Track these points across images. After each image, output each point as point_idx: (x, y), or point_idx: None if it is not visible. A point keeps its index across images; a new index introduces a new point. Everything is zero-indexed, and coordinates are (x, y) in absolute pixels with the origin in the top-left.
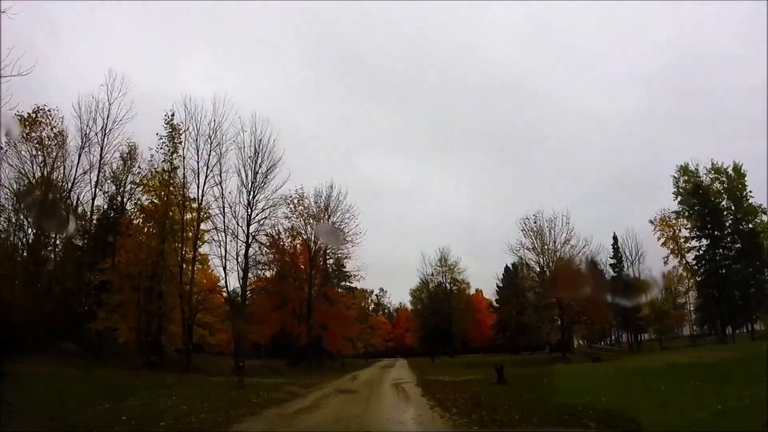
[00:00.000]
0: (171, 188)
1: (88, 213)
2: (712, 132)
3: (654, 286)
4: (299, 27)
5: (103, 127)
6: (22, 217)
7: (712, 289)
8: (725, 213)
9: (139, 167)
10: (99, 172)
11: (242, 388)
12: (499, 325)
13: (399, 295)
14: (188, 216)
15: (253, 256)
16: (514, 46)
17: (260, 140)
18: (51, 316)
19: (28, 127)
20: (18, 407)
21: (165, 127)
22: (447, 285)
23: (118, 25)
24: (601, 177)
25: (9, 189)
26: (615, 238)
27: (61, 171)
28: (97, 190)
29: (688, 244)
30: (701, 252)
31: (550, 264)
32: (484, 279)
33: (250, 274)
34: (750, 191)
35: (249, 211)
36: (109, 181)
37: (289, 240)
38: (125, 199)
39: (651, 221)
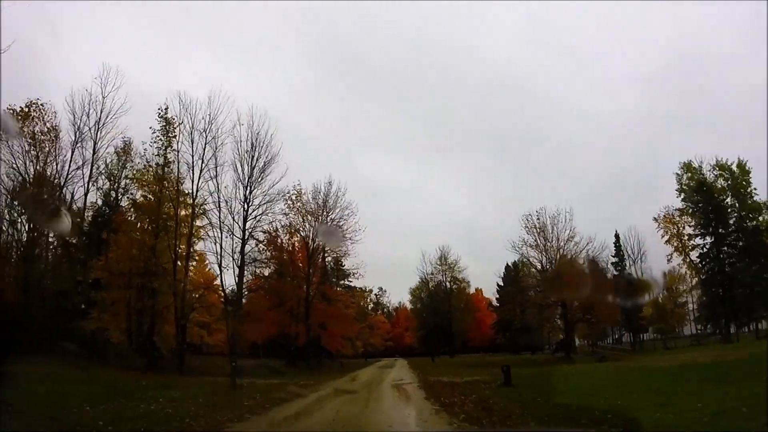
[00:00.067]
0: (165, 183)
1: (82, 209)
2: (712, 132)
3: (655, 285)
4: (299, 27)
5: (96, 121)
6: (15, 214)
7: (717, 288)
8: (729, 210)
9: (131, 162)
10: (92, 166)
11: (234, 390)
12: (500, 324)
13: (398, 295)
14: (183, 213)
15: (250, 254)
16: (514, 46)
17: (257, 134)
18: (45, 316)
19: (20, 122)
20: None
21: (158, 120)
22: (447, 284)
23: (118, 25)
24: (601, 177)
25: (1, 185)
26: (617, 236)
27: (55, 167)
28: (91, 185)
29: (692, 242)
30: (705, 250)
31: (554, 261)
32: (483, 279)
33: (247, 272)
34: (755, 188)
35: (245, 206)
36: (103, 177)
37: (287, 237)
38: (120, 196)
39: (655, 218)
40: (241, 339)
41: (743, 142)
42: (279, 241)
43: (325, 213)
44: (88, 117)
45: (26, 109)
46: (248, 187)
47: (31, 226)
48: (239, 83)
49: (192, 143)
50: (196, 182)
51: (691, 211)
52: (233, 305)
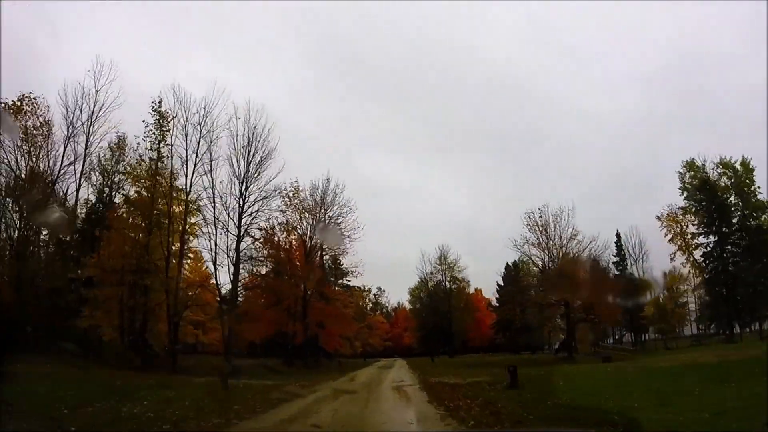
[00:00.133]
0: (158, 178)
1: (74, 205)
2: (712, 132)
3: (656, 285)
4: (299, 27)
5: (89, 115)
6: (8, 211)
7: (720, 287)
8: (733, 209)
9: (125, 158)
10: (84, 161)
11: (226, 391)
12: (500, 324)
13: (397, 295)
14: (177, 209)
15: (245, 251)
16: (514, 46)
17: (254, 128)
18: (39, 314)
19: (13, 116)
20: None
21: (152, 114)
22: (446, 284)
23: (117, 24)
24: (601, 177)
25: None
26: (618, 235)
27: (47, 162)
28: (84, 181)
29: (695, 241)
30: (709, 249)
31: (556, 260)
32: (482, 279)
33: (243, 271)
34: (758, 187)
35: (241, 202)
36: (96, 173)
37: (284, 235)
38: (114, 192)
39: (658, 216)
40: (239, 338)
41: (743, 142)
42: (276, 239)
43: (323, 210)
44: (81, 111)
45: (18, 103)
46: (244, 183)
47: (25, 223)
48: (238, 83)
49: (186, 137)
50: (190, 177)
51: (694, 209)
52: (228, 304)
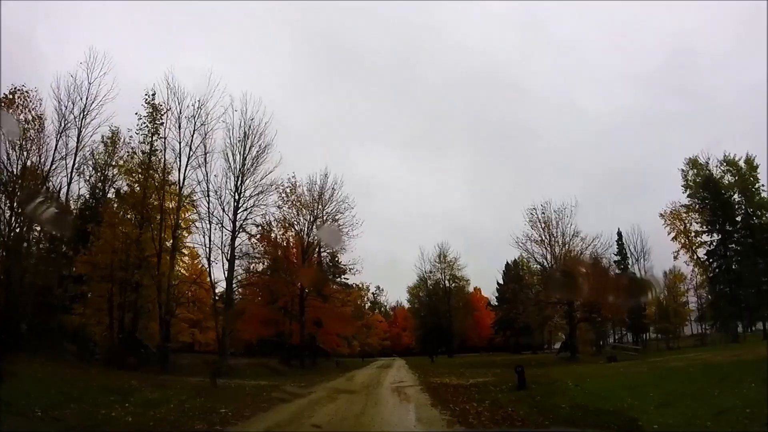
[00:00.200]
0: (150, 171)
1: (68, 200)
2: (711, 131)
3: (657, 284)
4: (295, 22)
5: (82, 108)
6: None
7: (724, 286)
8: (736, 207)
9: (118, 152)
10: (76, 154)
11: (213, 393)
12: (500, 323)
13: (396, 294)
14: (171, 205)
15: (240, 247)
16: (513, 44)
17: (251, 119)
18: (30, 313)
19: (5, 109)
20: None
21: (145, 107)
22: (446, 282)
23: (111, 16)
24: (600, 176)
25: None
26: (619, 234)
27: (40, 157)
28: (76, 175)
29: (699, 239)
30: (712, 247)
31: (559, 258)
32: (481, 278)
33: (240, 268)
34: (762, 185)
35: (236, 196)
36: (90, 168)
37: (281, 232)
38: (107, 187)
39: (661, 214)
40: (235, 337)
41: (743, 141)
42: (273, 236)
43: (320, 206)
44: (73, 104)
45: (11, 96)
46: (239, 177)
47: (18, 219)
48: (233, 79)
49: (179, 129)
50: (182, 170)
51: (697, 207)
52: (223, 301)
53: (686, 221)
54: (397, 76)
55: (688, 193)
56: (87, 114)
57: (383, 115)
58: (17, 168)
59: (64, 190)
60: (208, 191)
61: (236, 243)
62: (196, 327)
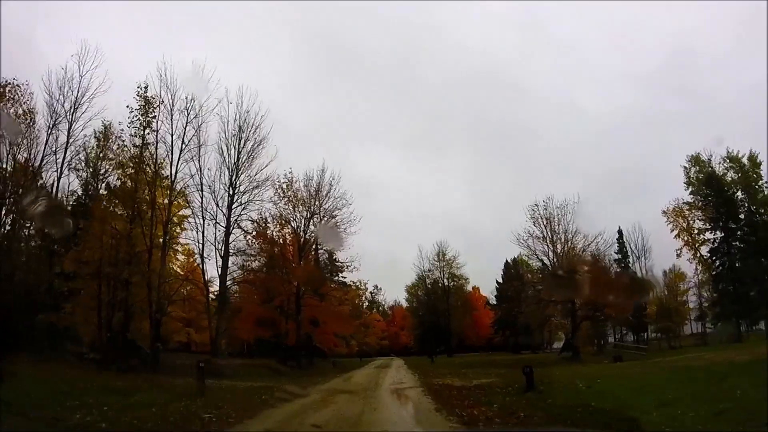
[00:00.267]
0: (142, 165)
1: (57, 195)
2: (712, 132)
3: (657, 283)
4: (293, 21)
5: (73, 101)
6: None
7: (727, 285)
8: (740, 204)
9: (110, 147)
10: (66, 148)
11: (201, 396)
12: (499, 323)
13: (394, 293)
14: (164, 201)
15: (234, 243)
16: (513, 44)
17: (247, 112)
18: (20, 311)
19: None
20: None
21: (137, 99)
22: (445, 281)
23: (105, 9)
24: (600, 176)
25: None
26: (620, 232)
27: (30, 152)
28: (67, 170)
29: (702, 237)
30: (716, 245)
31: (562, 255)
32: (480, 278)
33: (234, 266)
34: (766, 182)
35: (231, 191)
36: (81, 163)
37: (277, 229)
38: (99, 183)
39: (664, 211)
40: (232, 337)
41: (743, 142)
42: (269, 233)
43: (317, 203)
44: (64, 97)
45: (1, 90)
46: (234, 172)
47: (10, 217)
48: (236, 81)
49: (171, 120)
50: (175, 163)
51: (700, 204)
52: (218, 299)
53: (689, 218)
54: (397, 76)
55: (690, 190)
56: (78, 107)
57: (383, 115)
58: (10, 164)
59: (53, 185)
60: (201, 185)
61: (231, 239)
62: (191, 327)
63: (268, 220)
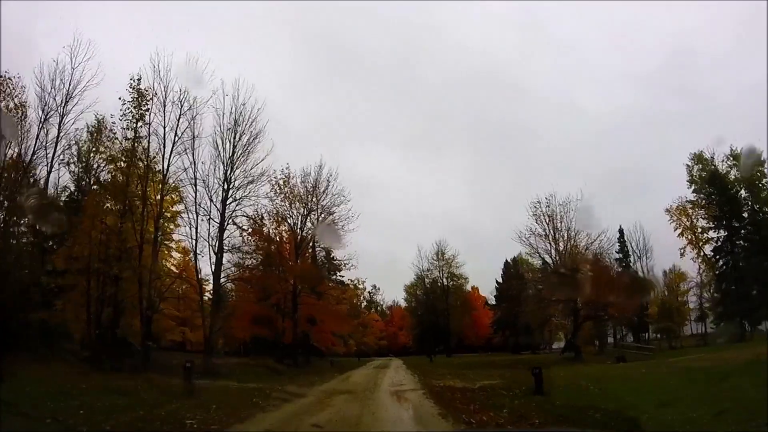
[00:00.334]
0: (134, 159)
1: (53, 192)
2: (712, 132)
3: (657, 283)
4: (292, 20)
5: (65, 95)
6: None
7: (731, 284)
8: (743, 203)
9: (103, 142)
10: (57, 142)
11: (189, 398)
12: (499, 322)
13: (393, 293)
14: (156, 197)
15: (229, 240)
16: (514, 45)
17: (243, 104)
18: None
19: None
20: None
21: (130, 92)
22: (444, 280)
23: (112, 20)
24: (600, 175)
25: None
26: (621, 231)
27: (21, 146)
28: (57, 164)
29: (705, 235)
30: (719, 243)
31: (565, 253)
32: (481, 278)
33: (229, 263)
34: None
35: (225, 185)
36: (74, 157)
37: (273, 226)
38: (91, 178)
39: (667, 210)
40: (229, 336)
41: (743, 141)
42: (265, 230)
43: (315, 199)
44: (56, 90)
45: None
46: (229, 166)
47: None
48: (229, 78)
49: (164, 111)
50: (167, 156)
51: (703, 203)
52: (213, 297)
53: (693, 217)
54: (397, 76)
55: (693, 188)
56: (69, 100)
57: (383, 115)
58: (1, 160)
59: (54, 181)
60: (195, 179)
61: (225, 236)
62: (186, 325)
63: (265, 217)
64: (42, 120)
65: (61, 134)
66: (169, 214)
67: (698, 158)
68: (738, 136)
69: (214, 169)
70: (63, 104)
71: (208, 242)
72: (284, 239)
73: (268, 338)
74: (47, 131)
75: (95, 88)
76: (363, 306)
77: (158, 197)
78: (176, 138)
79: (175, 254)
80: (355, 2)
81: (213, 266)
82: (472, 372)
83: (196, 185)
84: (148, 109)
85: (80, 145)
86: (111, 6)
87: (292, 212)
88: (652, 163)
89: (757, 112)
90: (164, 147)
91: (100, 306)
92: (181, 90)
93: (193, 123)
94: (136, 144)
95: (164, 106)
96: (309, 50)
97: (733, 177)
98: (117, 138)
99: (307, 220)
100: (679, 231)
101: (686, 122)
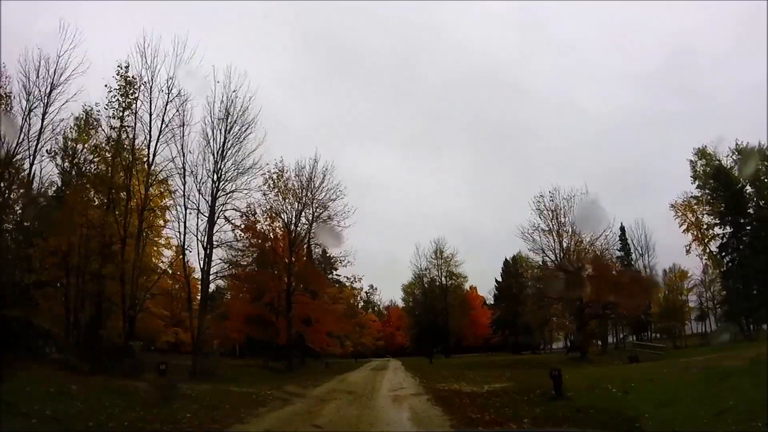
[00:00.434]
0: (119, 149)
1: (38, 186)
2: (712, 132)
3: (657, 282)
4: (291, 19)
5: (49, 83)
6: None
7: (737, 282)
8: (749, 199)
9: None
10: (41, 132)
11: (162, 405)
12: (498, 322)
13: (390, 294)
14: (141, 187)
15: (219, 234)
16: (514, 45)
17: (234, 92)
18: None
19: None
20: None
21: (117, 79)
22: (442, 279)
23: (112, 20)
24: (600, 176)
25: None
26: (623, 229)
27: (3, 138)
28: (40, 155)
29: (711, 232)
30: (725, 240)
31: (569, 249)
32: (480, 278)
33: (221, 261)
34: None
35: (215, 177)
36: (58, 147)
37: (267, 222)
38: (74, 169)
39: (672, 205)
40: (223, 337)
41: (744, 141)
42: (259, 227)
43: (310, 194)
44: (40, 78)
45: None
46: (220, 157)
47: None
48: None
49: (150, 97)
50: (153, 144)
51: (708, 198)
52: (201, 294)
53: (698, 213)
54: (397, 76)
55: (697, 184)
56: (54, 89)
57: (383, 115)
58: None
59: (40, 176)
60: (183, 169)
61: (215, 231)
62: (179, 326)
63: (258, 212)
64: (26, 111)
65: (45, 124)
66: (156, 208)
67: (702, 153)
68: (738, 136)
69: (203, 160)
70: (47, 93)
71: (197, 237)
72: (278, 236)
73: (262, 339)
74: (30, 122)
75: (81, 77)
76: (360, 306)
77: (143, 188)
78: (163, 125)
79: (167, 252)
80: (355, 2)
81: (201, 262)
82: (476, 373)
83: (184, 176)
84: (137, 98)
85: (65, 134)
86: (112, 6)
87: (286, 207)
88: (652, 163)
89: (757, 112)
90: (150, 134)
91: (80, 304)
92: (168, 75)
93: (183, 110)
94: (122, 133)
95: (150, 92)
96: (309, 50)
97: (737, 173)
98: (102, 127)
99: (302, 215)
100: (684, 227)
101: (686, 122)
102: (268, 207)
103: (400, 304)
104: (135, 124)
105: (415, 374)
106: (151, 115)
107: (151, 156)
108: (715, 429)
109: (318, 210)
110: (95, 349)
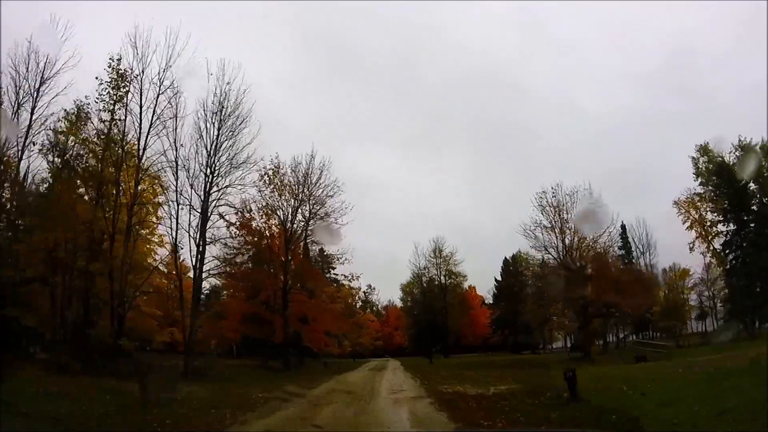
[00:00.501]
0: (110, 143)
1: (29, 182)
2: (712, 132)
3: (659, 281)
4: (293, 22)
5: (39, 77)
6: None
7: (740, 279)
8: (752, 196)
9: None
10: (29, 127)
11: (143, 411)
12: (498, 322)
13: (389, 293)
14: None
15: (212, 230)
16: (514, 45)
17: (228, 84)
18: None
19: None
20: None
21: (108, 72)
22: (441, 278)
23: (112, 20)
24: (600, 176)
25: None
26: (623, 227)
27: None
28: (35, 153)
29: (715, 229)
30: (728, 238)
31: (572, 246)
32: (480, 278)
33: (215, 259)
34: None
35: (207, 171)
36: (48, 141)
37: (262, 220)
38: (62, 163)
39: (675, 202)
40: (219, 336)
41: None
42: (254, 224)
43: (306, 190)
44: (28, 71)
45: None
46: (214, 151)
47: None
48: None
49: (140, 87)
50: (144, 137)
51: (711, 195)
52: (193, 292)
53: (701, 210)
54: (397, 76)
55: (699, 181)
56: (44, 82)
57: (383, 115)
58: None
59: (31, 170)
60: (176, 163)
61: (209, 227)
62: (174, 326)
63: (253, 209)
64: (16, 106)
65: (34, 118)
66: (147, 204)
67: (704, 150)
68: (738, 136)
69: (196, 153)
70: (36, 87)
71: (189, 233)
72: (274, 234)
73: (258, 337)
74: (19, 116)
75: (71, 70)
76: (358, 306)
77: (133, 182)
78: (154, 117)
79: (159, 250)
80: (355, 2)
81: (193, 259)
82: (478, 374)
83: (176, 169)
84: (128, 90)
85: (54, 129)
86: (112, 6)
87: (282, 204)
88: (652, 163)
89: (757, 112)
90: (140, 126)
91: (67, 302)
92: (160, 66)
93: (176, 102)
94: (112, 126)
95: (141, 83)
96: (309, 50)
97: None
98: (92, 121)
99: (298, 212)
100: (687, 224)
101: (686, 122)
102: (264, 204)
103: (399, 304)
104: (126, 116)
105: (415, 375)
106: (141, 106)
107: (141, 149)
108: (716, 429)
109: (315, 207)
110: (86, 348)
